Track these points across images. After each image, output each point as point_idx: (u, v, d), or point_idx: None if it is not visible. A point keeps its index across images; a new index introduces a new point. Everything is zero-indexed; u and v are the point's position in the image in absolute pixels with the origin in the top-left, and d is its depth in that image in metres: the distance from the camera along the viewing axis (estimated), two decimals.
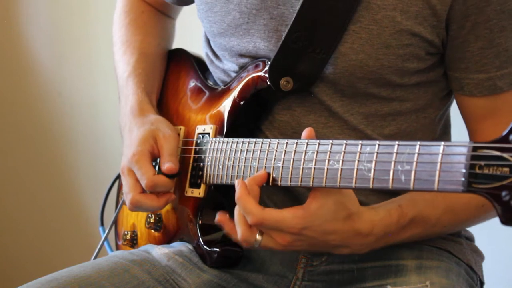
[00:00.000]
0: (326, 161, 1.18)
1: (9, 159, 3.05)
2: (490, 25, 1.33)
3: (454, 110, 1.51)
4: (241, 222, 1.27)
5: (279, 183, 1.26)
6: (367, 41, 1.35)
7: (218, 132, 1.45)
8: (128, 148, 1.47)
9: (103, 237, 1.65)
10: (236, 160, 1.36)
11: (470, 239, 1.52)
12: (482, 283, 1.49)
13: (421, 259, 1.40)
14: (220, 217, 1.32)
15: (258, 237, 1.27)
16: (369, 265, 1.41)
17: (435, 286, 1.32)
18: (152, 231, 1.57)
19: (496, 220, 1.37)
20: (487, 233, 1.67)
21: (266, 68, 1.40)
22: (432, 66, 1.40)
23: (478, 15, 1.33)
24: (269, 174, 1.27)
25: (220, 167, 1.40)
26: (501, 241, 2.11)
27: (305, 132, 1.26)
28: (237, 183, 1.27)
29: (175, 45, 1.74)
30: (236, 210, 1.28)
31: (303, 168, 1.22)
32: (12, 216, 3.07)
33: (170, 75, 1.65)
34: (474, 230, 1.54)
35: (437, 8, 1.33)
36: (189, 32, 1.94)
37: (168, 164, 1.43)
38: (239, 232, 1.28)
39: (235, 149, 1.37)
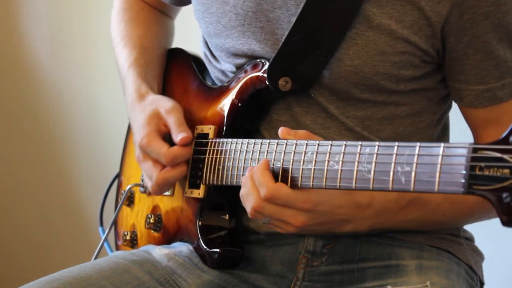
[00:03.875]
0: (326, 162, 1.18)
1: (9, 158, 3.05)
2: (488, 38, 1.33)
3: (453, 114, 1.51)
4: (254, 191, 1.27)
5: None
6: (362, 48, 1.35)
7: (217, 133, 1.45)
8: (137, 136, 1.47)
9: (102, 238, 1.64)
10: (236, 160, 1.36)
11: (470, 239, 1.52)
12: (482, 283, 1.49)
13: (421, 259, 1.40)
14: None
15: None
16: (369, 265, 1.41)
17: (435, 286, 1.32)
18: (152, 231, 1.57)
19: (495, 221, 1.37)
20: (487, 233, 1.68)
21: (265, 68, 1.40)
22: (428, 73, 1.40)
23: (475, 29, 1.33)
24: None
25: (220, 167, 1.40)
26: (501, 241, 2.11)
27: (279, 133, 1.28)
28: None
29: (176, 44, 1.73)
30: (249, 180, 1.27)
31: (302, 169, 1.22)
32: (12, 216, 3.07)
33: (168, 75, 1.65)
34: (474, 230, 1.54)
35: (432, 20, 1.33)
36: (189, 32, 1.94)
37: (180, 135, 1.42)
38: (251, 201, 1.27)
39: (235, 150, 1.37)
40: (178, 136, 1.42)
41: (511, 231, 1.61)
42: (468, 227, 1.53)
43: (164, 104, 1.47)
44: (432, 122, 1.47)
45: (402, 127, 1.43)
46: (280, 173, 1.25)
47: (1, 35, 2.99)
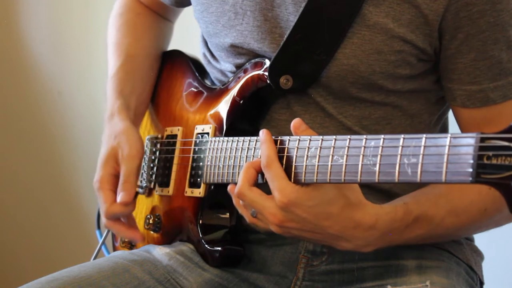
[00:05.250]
0: (330, 156, 1.18)
1: (8, 158, 3.05)
2: (483, 37, 1.33)
3: (452, 114, 1.51)
4: (239, 180, 1.28)
5: None
6: (359, 47, 1.35)
7: (218, 132, 1.45)
8: (98, 165, 1.50)
9: (100, 242, 1.64)
10: (237, 159, 1.36)
11: (470, 239, 1.52)
12: (482, 283, 1.49)
13: (421, 259, 1.40)
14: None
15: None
16: (369, 265, 1.41)
17: (436, 286, 1.32)
18: (151, 232, 1.57)
19: None
20: (487, 233, 1.67)
21: (265, 66, 1.40)
22: (425, 72, 1.40)
23: (471, 27, 1.33)
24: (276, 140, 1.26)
25: (221, 166, 1.40)
26: (501, 241, 2.11)
27: (292, 123, 1.26)
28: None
29: (175, 45, 1.73)
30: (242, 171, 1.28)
31: (306, 165, 1.21)
32: (12, 216, 3.07)
33: (166, 76, 1.65)
34: None
35: (429, 18, 1.33)
36: (188, 33, 1.94)
37: (120, 195, 1.45)
38: (238, 184, 1.28)
39: (236, 148, 1.37)
40: (119, 195, 1.45)
41: (511, 231, 1.61)
42: None
43: (124, 147, 1.48)
44: (430, 123, 1.46)
45: (400, 127, 1.42)
46: (284, 169, 1.24)
47: (1, 35, 2.99)
